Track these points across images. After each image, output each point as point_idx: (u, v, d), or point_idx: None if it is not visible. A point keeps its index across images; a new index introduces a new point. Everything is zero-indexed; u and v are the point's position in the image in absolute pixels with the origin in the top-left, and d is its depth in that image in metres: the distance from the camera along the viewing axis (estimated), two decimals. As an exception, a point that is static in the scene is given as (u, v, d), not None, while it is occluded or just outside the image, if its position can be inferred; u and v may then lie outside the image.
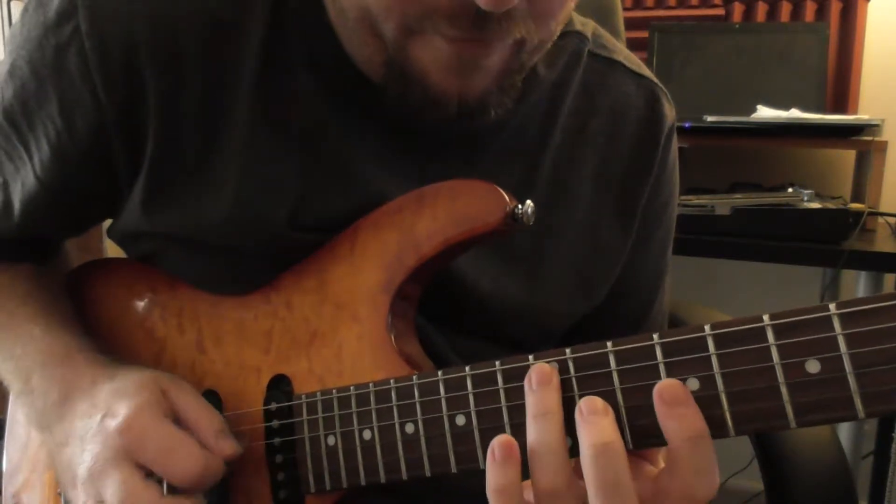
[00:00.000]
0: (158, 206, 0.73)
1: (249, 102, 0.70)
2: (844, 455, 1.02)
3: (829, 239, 1.74)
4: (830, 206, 1.78)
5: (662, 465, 0.60)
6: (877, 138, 1.96)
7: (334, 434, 0.68)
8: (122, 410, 0.67)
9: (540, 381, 0.55)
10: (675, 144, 0.89)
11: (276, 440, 0.71)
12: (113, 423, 0.67)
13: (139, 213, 0.74)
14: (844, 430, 2.03)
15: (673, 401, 0.51)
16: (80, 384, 0.73)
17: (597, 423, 0.53)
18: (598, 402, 0.54)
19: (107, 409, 0.69)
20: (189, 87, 0.69)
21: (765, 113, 1.98)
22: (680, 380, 0.52)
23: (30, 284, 0.85)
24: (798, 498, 0.98)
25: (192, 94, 0.70)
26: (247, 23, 0.70)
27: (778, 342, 0.49)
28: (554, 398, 0.55)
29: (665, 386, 0.52)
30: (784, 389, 0.49)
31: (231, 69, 0.70)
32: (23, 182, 0.77)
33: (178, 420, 0.70)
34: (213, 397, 0.76)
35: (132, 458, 0.66)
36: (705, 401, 0.51)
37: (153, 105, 0.69)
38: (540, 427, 0.55)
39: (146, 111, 0.70)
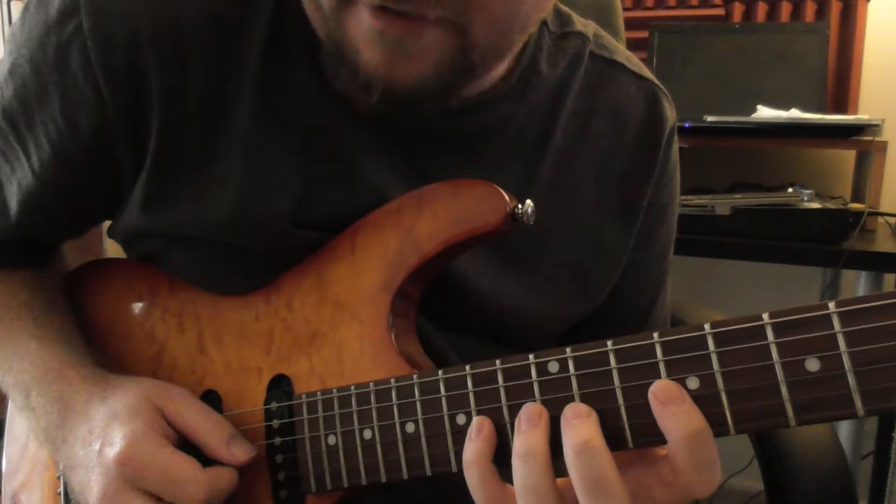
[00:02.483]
0: (160, 203, 0.73)
1: (251, 100, 0.70)
2: (844, 455, 1.02)
3: (829, 239, 1.74)
4: (830, 206, 1.78)
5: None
6: (877, 138, 1.96)
7: (335, 433, 0.68)
8: (117, 439, 0.67)
9: (527, 421, 0.56)
10: (676, 145, 0.89)
11: (277, 440, 0.72)
12: (111, 454, 0.67)
13: (141, 211, 0.74)
14: (844, 430, 2.03)
15: (668, 399, 0.52)
16: (75, 404, 0.73)
17: (578, 425, 0.54)
18: (582, 407, 0.55)
19: (103, 437, 0.69)
20: (192, 84, 0.70)
21: (765, 113, 1.98)
22: (680, 378, 0.52)
23: (26, 293, 0.84)
24: (798, 498, 0.98)
25: (194, 91, 0.70)
26: (249, 21, 0.70)
27: (777, 340, 0.49)
28: (538, 438, 0.55)
29: (659, 386, 0.52)
30: (784, 388, 0.49)
31: (233, 67, 0.70)
32: (19, 183, 0.77)
33: (182, 436, 0.70)
34: (213, 397, 0.77)
35: (137, 486, 0.67)
36: (705, 399, 0.51)
37: (156, 103, 0.69)
38: (523, 468, 0.55)
39: (149, 109, 0.70)
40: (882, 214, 2.01)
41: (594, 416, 0.54)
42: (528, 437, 0.56)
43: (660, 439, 0.53)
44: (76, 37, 0.68)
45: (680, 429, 0.51)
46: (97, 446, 0.69)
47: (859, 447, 2.06)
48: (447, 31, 0.61)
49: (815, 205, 1.77)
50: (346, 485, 0.68)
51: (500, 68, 0.76)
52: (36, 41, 0.70)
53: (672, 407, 0.51)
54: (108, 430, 0.69)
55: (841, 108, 2.23)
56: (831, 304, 0.47)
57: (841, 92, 2.24)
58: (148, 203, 0.74)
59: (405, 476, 0.64)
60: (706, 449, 0.51)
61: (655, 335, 0.53)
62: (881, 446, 2.01)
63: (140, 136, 0.71)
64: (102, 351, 0.84)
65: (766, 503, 1.02)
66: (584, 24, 0.85)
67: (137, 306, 0.83)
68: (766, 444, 1.01)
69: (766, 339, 0.49)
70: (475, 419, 0.59)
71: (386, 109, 0.66)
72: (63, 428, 0.73)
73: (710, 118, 1.93)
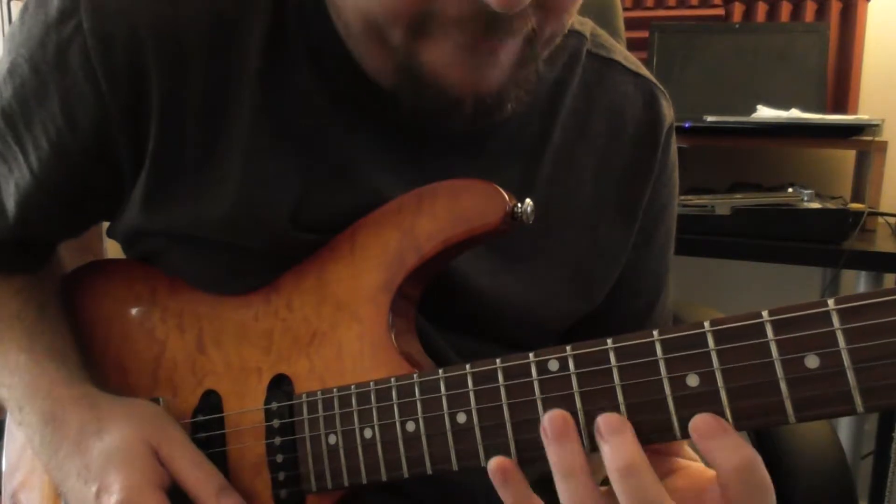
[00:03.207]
0: (160, 203, 0.73)
1: (251, 100, 0.70)
2: (844, 455, 1.02)
3: (829, 239, 1.75)
4: (830, 206, 1.78)
5: (690, 454, 0.60)
6: (877, 138, 1.96)
7: (335, 433, 0.68)
8: (115, 486, 0.68)
9: (557, 435, 0.55)
10: (675, 144, 0.89)
11: (277, 439, 0.72)
12: (109, 503, 0.68)
13: (141, 210, 0.74)
14: (844, 430, 2.03)
15: (709, 433, 0.51)
16: (67, 430, 0.74)
17: (620, 444, 0.53)
18: (614, 419, 0.53)
19: (100, 482, 0.69)
20: (192, 84, 0.70)
21: (765, 113, 1.98)
22: (680, 376, 0.52)
23: (17, 303, 0.84)
24: (798, 498, 0.98)
25: (194, 91, 0.70)
26: (249, 20, 0.70)
27: (777, 337, 0.49)
28: (577, 454, 0.54)
29: (700, 420, 0.51)
30: (783, 385, 0.49)
31: (233, 67, 0.70)
32: (17, 183, 0.77)
33: (174, 479, 0.71)
34: (213, 397, 0.77)
35: None
36: (705, 397, 0.51)
37: (156, 102, 0.70)
38: (570, 487, 0.54)
39: (149, 108, 0.70)
40: (882, 214, 2.01)
41: (629, 429, 0.53)
42: (565, 453, 0.54)
43: (659, 437, 0.53)
44: (76, 36, 0.68)
45: (730, 461, 0.50)
46: (94, 489, 0.69)
47: (859, 447, 2.05)
48: (524, 34, 0.63)
49: (815, 205, 1.77)
50: (346, 484, 0.68)
51: None
52: (35, 41, 0.70)
53: (717, 441, 0.51)
54: (104, 475, 0.69)
55: (841, 108, 2.23)
56: (830, 302, 0.47)
57: (841, 92, 2.24)
58: (148, 202, 0.74)
59: (406, 475, 0.64)
60: (758, 476, 0.51)
61: (655, 333, 0.53)
62: (881, 446, 2.01)
63: (140, 135, 0.71)
64: (102, 353, 0.84)
65: (767, 503, 1.02)
66: (581, 23, 0.85)
67: (137, 307, 0.83)
68: (766, 444, 1.01)
69: (765, 336, 0.49)
70: (491, 468, 0.57)
71: (476, 119, 0.67)
72: (57, 455, 0.74)
73: (710, 118, 1.93)
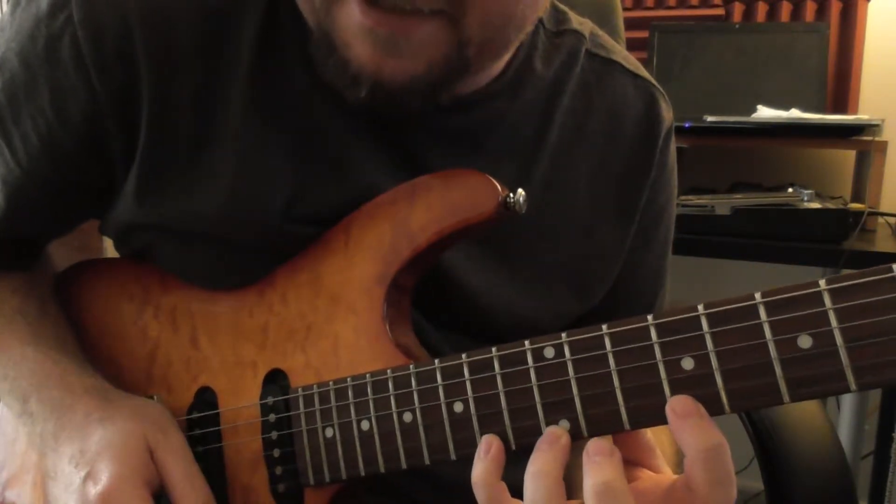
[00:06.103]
0: (152, 196, 0.73)
1: (244, 93, 0.70)
2: (844, 455, 1.02)
3: (829, 239, 1.75)
4: (830, 206, 1.79)
5: (665, 470, 0.60)
6: (877, 138, 1.96)
7: (332, 426, 0.68)
8: (103, 475, 0.68)
9: (546, 441, 0.56)
10: (674, 146, 0.89)
11: (274, 434, 0.72)
12: (92, 490, 0.67)
13: (133, 203, 0.74)
14: (844, 430, 2.02)
15: (685, 413, 0.51)
16: (74, 416, 0.73)
17: (601, 463, 0.53)
18: (604, 444, 0.54)
19: (91, 467, 0.69)
20: (183, 76, 0.70)
21: (765, 113, 1.98)
22: (675, 359, 0.52)
23: (17, 299, 0.84)
24: (798, 498, 0.98)
25: (186, 83, 0.70)
26: (242, 14, 0.70)
27: (770, 319, 0.49)
28: (552, 459, 0.55)
29: (676, 400, 0.52)
30: (777, 365, 0.49)
31: (226, 60, 0.70)
32: (4, 179, 0.77)
33: (162, 485, 0.70)
34: (208, 394, 0.77)
35: None
36: (700, 379, 0.51)
37: (146, 93, 0.70)
38: (532, 485, 0.55)
39: (139, 99, 0.70)
40: (882, 214, 2.01)
41: (617, 456, 0.54)
42: (543, 455, 0.55)
43: (655, 421, 0.53)
44: (67, 28, 0.68)
45: (698, 443, 0.51)
46: (82, 474, 0.69)
47: (859, 447, 2.05)
48: (442, 24, 0.61)
49: (815, 205, 1.78)
50: (344, 477, 0.68)
51: (495, 66, 0.76)
52: (26, 34, 0.71)
53: (690, 420, 0.51)
54: (97, 462, 0.69)
55: (841, 108, 2.23)
56: (821, 282, 0.48)
57: (841, 92, 2.24)
58: (140, 196, 0.74)
59: (404, 465, 0.64)
60: (722, 463, 0.51)
61: (650, 317, 0.53)
62: (881, 446, 2.00)
63: (131, 127, 0.71)
64: (96, 352, 0.84)
65: (766, 503, 1.02)
66: (580, 23, 0.85)
67: (130, 305, 0.83)
68: (766, 444, 1.01)
69: (758, 318, 0.49)
70: (483, 438, 0.59)
71: (374, 104, 0.66)
72: (58, 438, 0.73)
73: (710, 118, 1.93)
